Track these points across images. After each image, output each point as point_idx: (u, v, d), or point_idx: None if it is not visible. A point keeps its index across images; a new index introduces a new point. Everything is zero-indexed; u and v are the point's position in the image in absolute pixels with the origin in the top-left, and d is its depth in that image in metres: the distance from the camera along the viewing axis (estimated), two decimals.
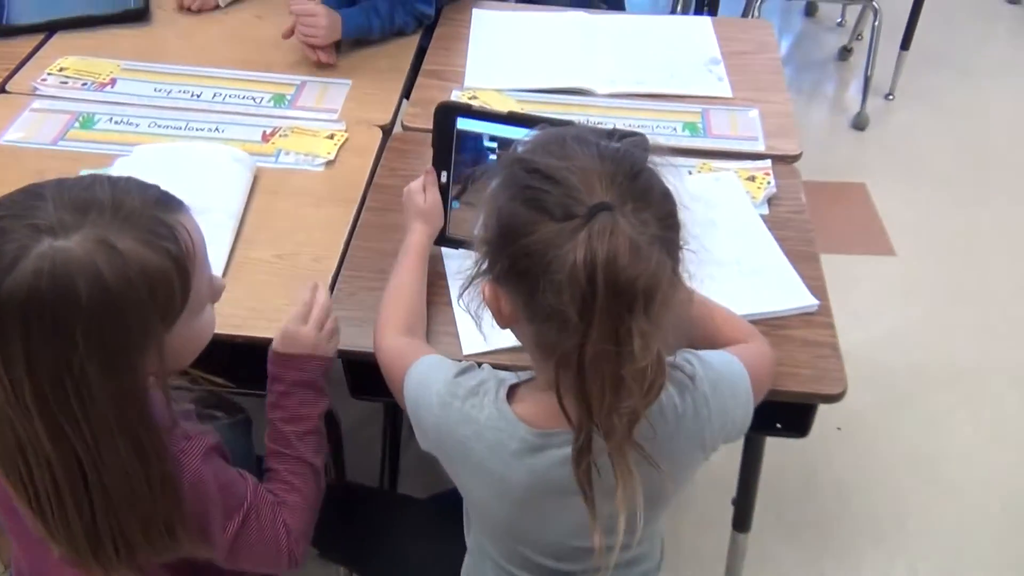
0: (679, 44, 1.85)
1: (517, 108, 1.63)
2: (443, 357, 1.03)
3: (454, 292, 1.24)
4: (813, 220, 1.41)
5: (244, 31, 1.87)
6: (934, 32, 3.28)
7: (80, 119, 1.59)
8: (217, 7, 1.93)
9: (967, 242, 2.59)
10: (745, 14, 2.97)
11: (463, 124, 1.23)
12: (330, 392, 1.15)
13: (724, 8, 2.95)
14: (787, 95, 1.72)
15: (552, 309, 0.78)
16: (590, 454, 0.82)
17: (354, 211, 1.41)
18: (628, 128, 1.28)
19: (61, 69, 1.71)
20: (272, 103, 1.65)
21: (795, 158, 1.55)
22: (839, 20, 3.63)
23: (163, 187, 0.90)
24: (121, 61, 1.74)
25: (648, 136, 0.92)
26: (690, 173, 1.48)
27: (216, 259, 1.28)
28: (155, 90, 1.67)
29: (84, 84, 1.68)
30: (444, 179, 1.26)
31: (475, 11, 1.94)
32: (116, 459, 0.83)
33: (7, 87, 1.68)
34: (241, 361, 1.14)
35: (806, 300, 1.25)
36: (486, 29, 1.89)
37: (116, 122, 1.59)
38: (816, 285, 1.27)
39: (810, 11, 3.69)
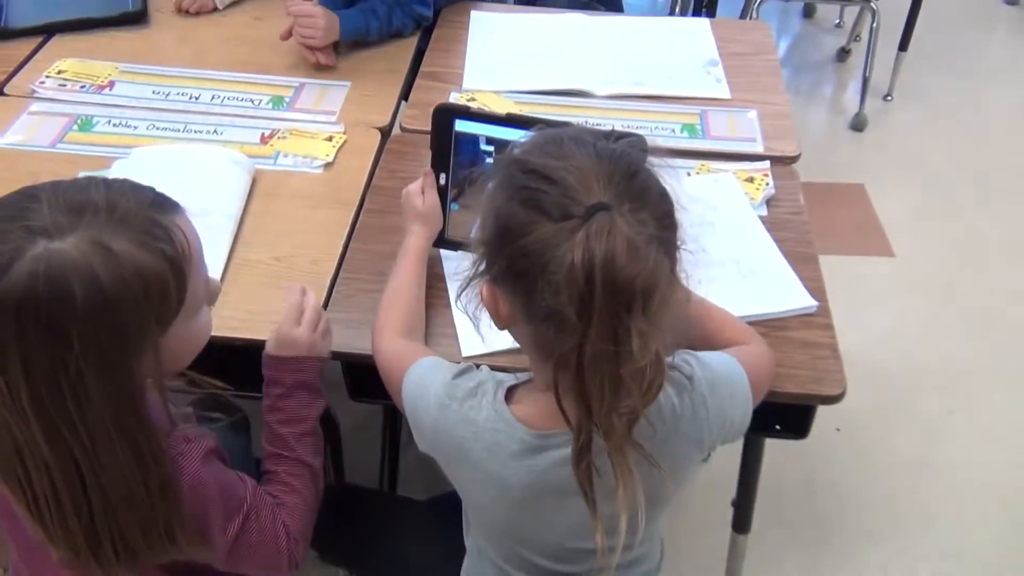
0: (677, 46, 1.86)
1: (515, 110, 1.63)
2: (441, 359, 1.03)
3: (453, 294, 1.24)
4: (812, 221, 1.41)
5: (242, 33, 1.87)
6: (932, 33, 3.28)
7: (78, 122, 1.59)
8: (215, 9, 1.94)
9: (965, 243, 2.60)
10: (743, 15, 2.98)
11: (461, 126, 1.23)
12: (327, 394, 1.15)
13: (722, 9, 2.95)
14: (785, 96, 1.72)
15: (550, 309, 0.78)
16: (590, 454, 0.82)
17: (352, 213, 1.41)
18: (627, 130, 1.28)
19: (59, 72, 1.71)
20: (270, 105, 1.65)
21: (793, 159, 1.56)
22: (837, 21, 3.63)
23: (161, 189, 0.90)
24: (119, 63, 1.74)
25: (646, 137, 0.92)
26: (689, 174, 1.48)
27: (214, 261, 1.28)
28: (153, 92, 1.67)
29: (82, 87, 1.68)
30: (443, 181, 1.26)
31: (473, 13, 1.94)
32: (114, 462, 0.83)
33: (5, 90, 1.68)
34: (240, 363, 1.14)
35: (805, 301, 1.25)
36: (484, 31, 1.89)
37: (114, 124, 1.59)
38: (815, 286, 1.27)
39: (808, 12, 3.70)
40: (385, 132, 1.61)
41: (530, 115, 1.48)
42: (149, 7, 1.90)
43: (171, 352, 0.88)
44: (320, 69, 1.74)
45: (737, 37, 1.90)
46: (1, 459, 0.83)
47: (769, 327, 1.21)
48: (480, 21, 1.92)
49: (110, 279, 0.79)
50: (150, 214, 0.84)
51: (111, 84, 1.69)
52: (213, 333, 0.99)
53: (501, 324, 0.89)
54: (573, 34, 1.89)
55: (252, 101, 1.66)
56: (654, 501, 0.94)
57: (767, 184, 1.46)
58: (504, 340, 0.95)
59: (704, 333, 1.09)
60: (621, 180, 0.79)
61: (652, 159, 0.84)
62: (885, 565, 1.82)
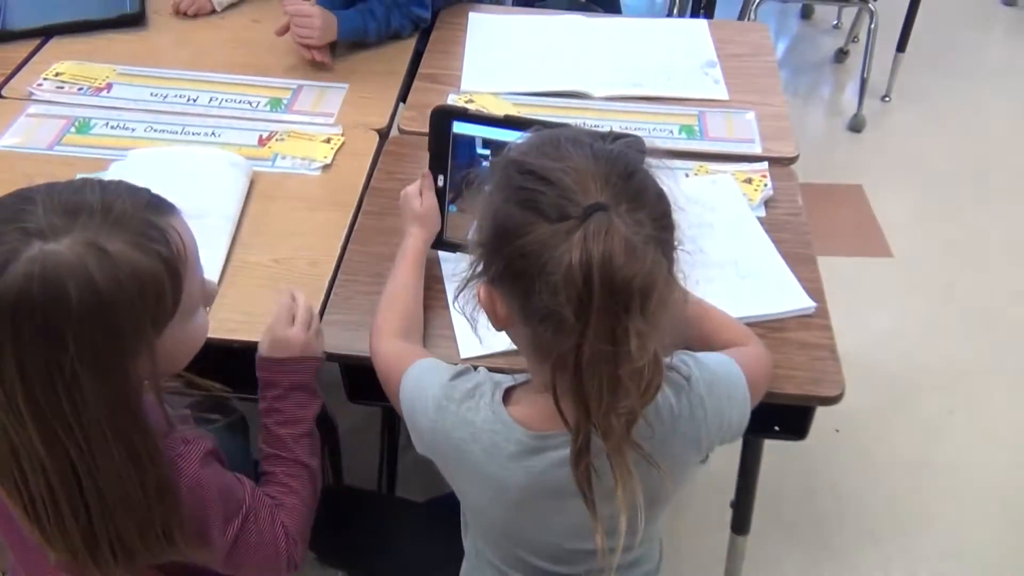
0: (675, 47, 1.86)
1: (513, 111, 1.63)
2: (439, 361, 1.03)
3: (451, 296, 1.24)
4: (810, 222, 1.41)
5: (240, 35, 1.87)
6: (930, 34, 3.28)
7: (76, 124, 1.59)
8: (213, 11, 1.93)
9: (964, 243, 2.60)
10: (741, 17, 2.98)
11: (459, 128, 1.23)
12: (325, 395, 1.15)
13: (720, 11, 2.95)
14: (783, 97, 1.72)
15: (548, 310, 0.77)
16: (588, 455, 0.82)
17: (351, 215, 1.41)
18: (625, 131, 1.28)
19: (57, 74, 1.71)
20: (268, 107, 1.65)
21: (792, 160, 1.56)
22: (835, 22, 3.63)
23: (159, 191, 0.90)
24: (117, 66, 1.74)
25: (643, 138, 0.92)
26: (687, 176, 1.48)
27: (212, 263, 1.28)
28: (151, 95, 1.67)
29: (80, 89, 1.68)
30: (441, 183, 1.26)
31: (471, 14, 1.94)
32: (110, 463, 0.83)
33: (3, 92, 1.68)
34: (238, 365, 1.14)
35: (803, 302, 1.25)
36: (482, 32, 1.89)
37: (112, 127, 1.58)
38: (813, 287, 1.27)
39: (806, 14, 3.70)
40: (383, 134, 1.61)
41: (528, 117, 1.48)
42: (147, 9, 1.91)
43: (167, 354, 0.88)
44: (316, 67, 1.74)
45: (735, 38, 1.90)
46: None
47: (768, 328, 1.21)
48: (478, 23, 1.92)
49: (105, 280, 0.78)
50: (145, 215, 0.84)
51: (109, 86, 1.69)
52: (211, 335, 0.99)
53: (499, 325, 0.89)
54: (571, 36, 1.89)
55: (250, 103, 1.66)
56: (653, 501, 0.94)
57: (765, 185, 1.46)
58: (502, 341, 0.95)
59: (702, 334, 1.09)
60: (618, 181, 0.79)
61: (650, 160, 0.84)
62: (885, 566, 1.82)
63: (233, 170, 1.45)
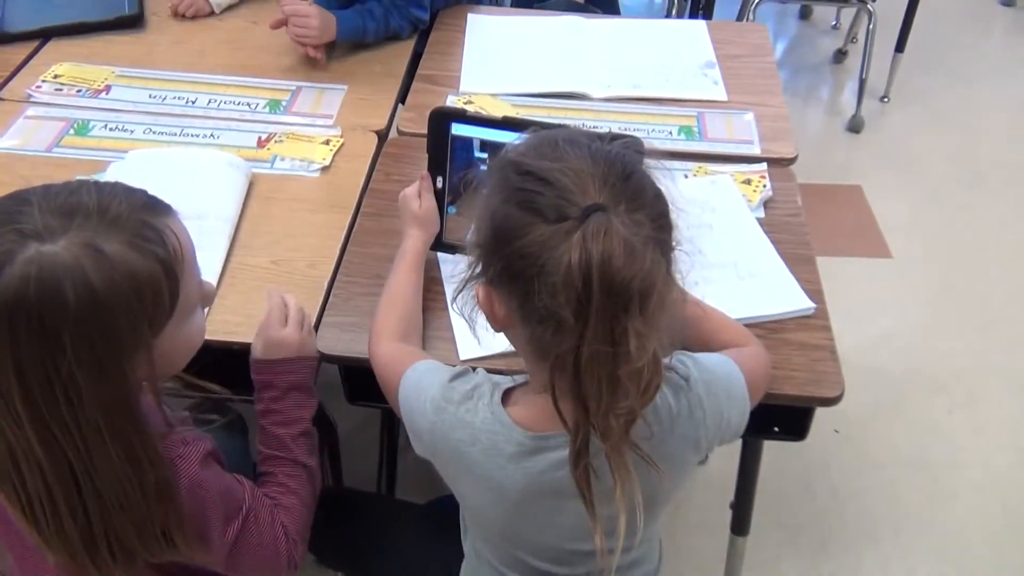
0: (674, 48, 1.86)
1: (512, 113, 1.63)
2: (437, 362, 1.03)
3: (450, 297, 1.24)
4: (809, 223, 1.41)
5: (239, 37, 1.87)
6: (929, 35, 3.28)
7: (75, 126, 1.59)
8: (212, 13, 1.93)
9: (963, 244, 2.60)
10: (740, 18, 2.98)
11: (458, 129, 1.23)
12: (325, 397, 1.15)
13: (719, 12, 2.95)
14: (782, 98, 1.72)
15: (547, 311, 0.77)
16: (587, 456, 0.82)
17: (350, 216, 1.41)
18: (624, 132, 1.28)
19: (56, 76, 1.71)
20: (267, 109, 1.65)
21: (791, 161, 1.56)
22: (834, 23, 3.63)
23: (158, 192, 0.90)
24: (116, 67, 1.74)
25: (641, 139, 0.92)
26: (686, 177, 1.48)
27: (211, 265, 1.28)
28: (150, 96, 1.67)
29: (79, 91, 1.67)
30: (440, 184, 1.26)
31: (470, 16, 1.94)
32: (108, 464, 0.83)
33: (1, 94, 1.68)
34: (237, 367, 1.14)
35: (803, 303, 1.25)
36: (481, 34, 1.89)
37: (111, 129, 1.58)
38: (812, 288, 1.27)
39: (805, 14, 3.70)
40: (382, 135, 1.61)
41: (526, 118, 1.48)
42: (145, 11, 1.90)
43: (165, 355, 0.88)
44: (315, 68, 1.74)
45: (734, 39, 1.90)
46: None
47: (767, 329, 1.21)
48: (476, 24, 1.92)
49: (102, 281, 0.78)
50: (142, 216, 0.84)
51: (107, 88, 1.69)
52: (210, 337, 0.99)
53: (497, 326, 0.89)
54: (570, 37, 1.89)
55: (249, 105, 1.66)
56: (652, 502, 0.94)
57: (764, 186, 1.46)
58: (501, 343, 0.94)
59: (701, 334, 1.09)
60: (616, 181, 0.79)
61: (648, 161, 0.84)
62: (884, 566, 1.82)
63: (232, 171, 1.45)
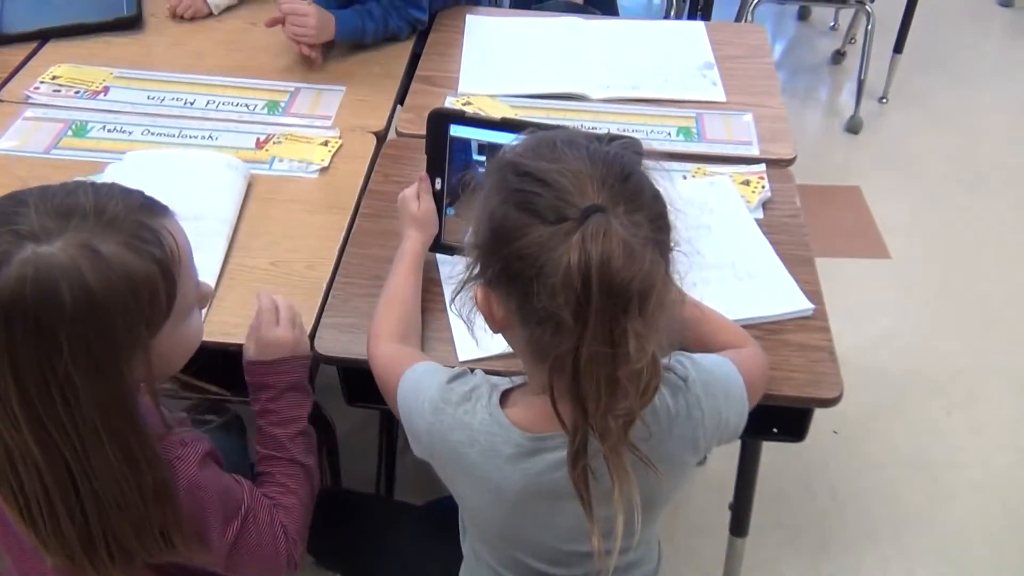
0: (673, 49, 1.86)
1: (511, 114, 1.63)
2: (436, 363, 1.03)
3: (449, 298, 1.24)
4: (808, 224, 1.41)
5: (237, 38, 1.86)
6: (927, 35, 3.29)
7: (73, 127, 1.59)
8: (209, 15, 1.93)
9: (962, 244, 2.60)
10: (738, 19, 2.98)
11: (457, 131, 1.23)
12: (324, 398, 1.15)
13: (717, 13, 2.95)
14: (781, 99, 1.72)
15: (546, 312, 0.77)
16: (586, 457, 0.82)
17: (348, 218, 1.41)
18: (622, 133, 1.28)
19: (54, 77, 1.71)
20: (266, 110, 1.65)
21: (789, 162, 1.56)
22: (832, 24, 3.64)
23: (156, 194, 0.90)
24: (114, 69, 1.74)
25: (639, 139, 0.92)
26: (685, 178, 1.48)
27: (210, 266, 1.28)
28: (148, 98, 1.67)
29: (77, 92, 1.67)
30: (438, 186, 1.26)
31: (468, 17, 1.94)
32: (106, 466, 0.83)
33: None
34: (235, 368, 1.14)
35: (802, 304, 1.25)
36: (479, 35, 1.89)
37: (109, 130, 1.58)
38: (811, 289, 1.27)
39: (803, 15, 3.70)
40: (381, 136, 1.61)
41: (525, 119, 1.48)
42: (144, 12, 1.90)
43: (162, 355, 0.88)
44: (313, 69, 1.74)
45: (732, 40, 1.90)
46: None
47: (765, 330, 1.21)
48: (475, 25, 1.92)
49: (98, 282, 0.78)
50: (138, 217, 0.84)
51: (106, 89, 1.69)
52: (209, 338, 0.99)
53: (496, 327, 0.89)
54: (568, 38, 1.89)
55: (247, 106, 1.66)
56: (651, 503, 0.94)
57: (763, 187, 1.46)
58: (499, 344, 0.94)
59: (699, 336, 1.09)
60: (615, 182, 0.79)
61: (646, 162, 0.84)
62: (883, 567, 1.82)
63: (230, 173, 1.45)
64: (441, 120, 1.23)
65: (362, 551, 1.28)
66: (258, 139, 1.57)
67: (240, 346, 1.17)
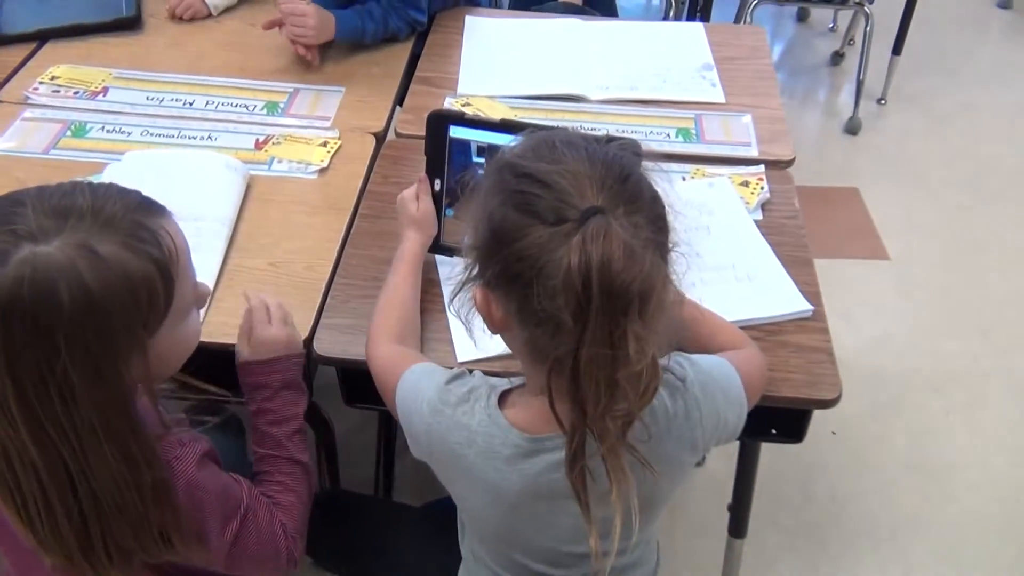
0: (672, 50, 1.86)
1: (510, 115, 1.63)
2: (434, 364, 1.03)
3: (447, 299, 1.24)
4: (807, 225, 1.41)
5: (236, 39, 1.86)
6: (926, 37, 3.29)
7: (72, 128, 1.59)
8: (209, 15, 1.93)
9: (960, 245, 2.60)
10: (737, 20, 2.98)
11: (456, 132, 1.23)
12: (323, 399, 1.15)
13: (716, 14, 2.96)
14: (780, 100, 1.72)
15: (546, 314, 0.77)
16: (584, 458, 0.82)
17: (347, 218, 1.41)
18: (621, 134, 1.28)
19: (53, 78, 1.71)
20: (265, 111, 1.65)
21: (788, 163, 1.56)
22: (831, 25, 3.64)
23: (156, 194, 0.90)
24: (113, 69, 1.74)
25: (638, 141, 0.92)
26: (684, 179, 1.48)
27: (209, 267, 1.28)
28: (147, 98, 1.67)
29: (76, 93, 1.67)
30: (437, 187, 1.26)
31: (467, 18, 1.94)
32: (104, 466, 0.83)
33: None
34: (234, 369, 1.14)
35: (800, 305, 1.25)
36: (478, 36, 1.89)
37: (108, 131, 1.58)
38: (810, 290, 1.27)
39: (802, 17, 3.71)
40: (380, 137, 1.61)
41: (525, 121, 1.48)
42: (143, 13, 1.90)
43: (160, 356, 0.88)
44: (311, 70, 1.74)
45: (731, 41, 1.90)
46: None
47: (764, 331, 1.21)
48: (474, 26, 1.92)
49: (96, 282, 0.78)
50: (136, 217, 0.84)
51: (105, 90, 1.69)
52: (208, 339, 0.99)
53: (494, 328, 0.89)
54: (567, 39, 1.89)
55: (246, 107, 1.66)
56: (649, 503, 0.94)
57: (762, 188, 1.46)
58: (498, 345, 0.95)
59: (697, 337, 1.09)
60: (614, 184, 0.79)
61: (645, 163, 0.84)
62: (882, 568, 1.82)
63: (230, 173, 1.45)
64: (441, 121, 1.23)
65: (361, 552, 1.28)
66: (257, 140, 1.57)
67: None
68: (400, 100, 1.73)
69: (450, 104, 1.67)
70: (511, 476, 0.90)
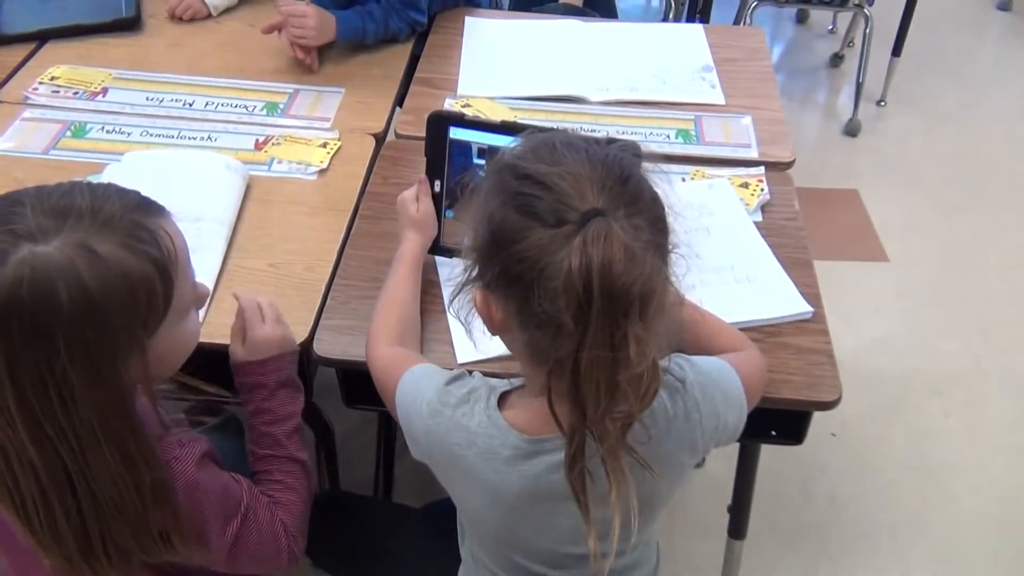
0: (671, 52, 1.86)
1: (510, 116, 1.63)
2: (434, 366, 1.03)
3: (447, 300, 1.24)
4: (806, 227, 1.41)
5: (236, 40, 1.86)
6: (925, 38, 3.29)
7: (72, 128, 1.58)
8: (208, 16, 1.93)
9: (960, 247, 2.60)
10: (737, 21, 2.98)
11: (456, 133, 1.23)
12: (322, 400, 1.15)
13: (716, 16, 2.96)
14: (779, 102, 1.72)
15: (546, 316, 0.77)
16: (583, 459, 0.82)
17: (347, 219, 1.41)
18: (621, 135, 1.28)
19: (52, 78, 1.71)
20: (265, 111, 1.65)
21: (788, 165, 1.56)
22: (830, 27, 3.64)
23: (155, 195, 0.89)
24: (113, 70, 1.74)
25: (637, 142, 0.92)
26: (683, 180, 1.48)
27: (209, 268, 1.28)
28: (147, 99, 1.67)
29: (75, 93, 1.67)
30: (437, 188, 1.26)
31: (468, 19, 1.94)
32: (103, 466, 0.83)
33: None
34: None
35: (800, 307, 1.25)
36: (478, 37, 1.89)
37: (108, 131, 1.58)
38: (810, 292, 1.27)
39: (801, 18, 3.71)
40: (380, 138, 1.61)
41: (525, 122, 1.48)
42: (142, 13, 1.90)
43: (160, 356, 0.88)
44: (310, 70, 1.74)
45: (731, 43, 1.90)
46: None
47: (764, 333, 1.21)
48: (474, 27, 1.92)
49: (95, 282, 0.78)
50: (135, 217, 0.84)
51: (104, 90, 1.68)
52: (208, 339, 0.99)
53: (494, 330, 0.89)
54: (567, 40, 1.89)
55: (246, 107, 1.66)
56: (648, 505, 0.94)
57: (762, 190, 1.46)
58: (498, 346, 0.94)
59: (697, 339, 1.09)
60: (614, 185, 0.79)
61: (645, 164, 0.84)
62: (882, 569, 1.82)
63: (229, 174, 1.45)
64: (441, 122, 1.23)
65: (360, 554, 1.28)
66: (257, 140, 1.57)
67: None
68: (400, 101, 1.73)
69: (450, 105, 1.67)
70: (510, 477, 0.90)
